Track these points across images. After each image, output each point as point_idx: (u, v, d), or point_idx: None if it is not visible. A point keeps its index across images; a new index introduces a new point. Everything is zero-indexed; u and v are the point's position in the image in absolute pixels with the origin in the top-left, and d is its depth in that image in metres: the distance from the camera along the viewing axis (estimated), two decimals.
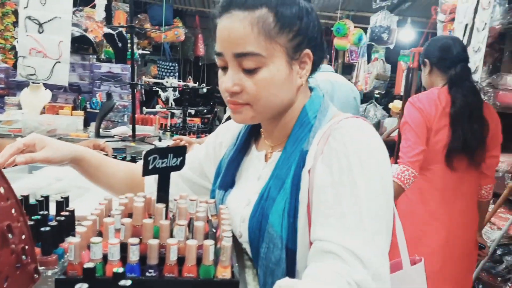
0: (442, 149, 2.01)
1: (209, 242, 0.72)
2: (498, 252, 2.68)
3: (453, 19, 3.22)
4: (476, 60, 2.78)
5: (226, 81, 0.86)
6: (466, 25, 2.94)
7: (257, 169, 0.99)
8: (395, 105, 6.66)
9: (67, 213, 0.93)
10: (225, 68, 0.88)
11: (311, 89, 0.98)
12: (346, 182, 0.77)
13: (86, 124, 3.20)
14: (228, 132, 1.13)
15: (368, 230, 0.74)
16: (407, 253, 1.05)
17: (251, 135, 1.05)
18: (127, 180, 1.16)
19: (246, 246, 0.93)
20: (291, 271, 0.85)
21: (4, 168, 0.92)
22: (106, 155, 1.69)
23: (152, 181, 1.14)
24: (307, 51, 0.88)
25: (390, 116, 7.07)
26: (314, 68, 0.94)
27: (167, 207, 0.89)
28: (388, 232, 0.78)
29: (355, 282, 0.68)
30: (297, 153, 0.87)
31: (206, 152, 1.16)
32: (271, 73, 0.84)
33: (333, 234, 0.74)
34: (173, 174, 0.98)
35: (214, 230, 0.90)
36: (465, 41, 2.97)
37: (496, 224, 2.72)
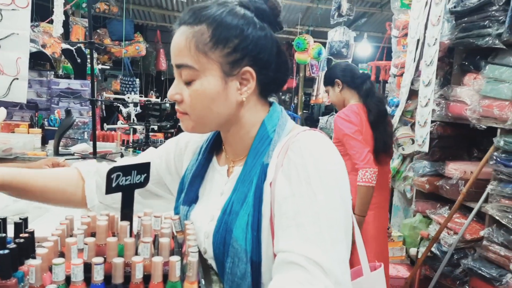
0: (371, 150, 2.42)
1: (175, 258, 0.72)
2: (456, 256, 2.77)
3: (406, 35, 3.38)
4: (429, 73, 2.92)
5: (170, 89, 0.92)
6: (418, 40, 3.09)
7: (220, 184, 1.00)
8: None
9: (26, 235, 0.91)
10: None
11: (270, 103, 1.00)
12: (305, 193, 0.80)
13: (44, 142, 3.11)
14: (189, 144, 1.13)
15: (328, 239, 0.76)
16: (366, 260, 1.09)
17: (213, 149, 1.06)
18: (62, 189, 1.12)
19: (212, 262, 0.93)
20: (256, 285, 0.86)
21: None
22: None
23: (93, 187, 1.12)
24: (247, 68, 0.90)
25: None
26: (270, 88, 0.97)
27: (131, 224, 0.89)
28: (347, 240, 0.81)
29: None
30: (258, 167, 0.89)
31: (167, 163, 1.14)
32: (202, 86, 0.88)
33: (294, 244, 0.76)
34: None
35: (180, 247, 0.90)
36: (417, 56, 3.11)
37: (452, 229, 2.82)
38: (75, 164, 1.17)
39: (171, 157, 1.14)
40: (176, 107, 0.93)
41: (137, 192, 1.06)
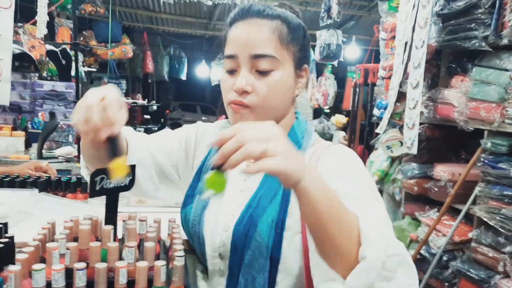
0: None
1: (160, 263, 0.71)
2: (444, 258, 2.78)
3: (394, 37, 3.39)
4: (417, 76, 2.93)
5: (240, 81, 0.90)
6: (406, 43, 3.10)
7: (237, 182, 0.98)
8: (338, 119, 6.88)
9: (6, 240, 0.88)
10: (232, 72, 0.93)
11: (295, 112, 1.04)
12: (349, 176, 0.84)
13: (28, 145, 3.05)
14: (206, 134, 1.11)
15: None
16: None
17: None
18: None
19: (226, 255, 0.91)
20: (272, 281, 0.87)
21: None
22: (49, 177, 1.62)
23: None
24: (306, 66, 0.99)
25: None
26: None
27: (115, 228, 0.86)
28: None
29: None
30: None
31: (187, 147, 1.11)
32: (282, 77, 0.92)
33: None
34: (145, 153, 0.99)
35: (166, 251, 0.88)
36: (405, 58, 3.13)
37: (441, 231, 2.83)
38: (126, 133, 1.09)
39: (192, 142, 1.11)
40: (239, 99, 0.91)
41: (155, 172, 1.07)
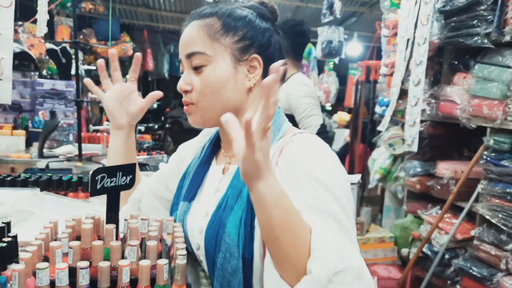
0: None
1: (163, 262, 0.71)
2: (447, 256, 2.77)
3: (396, 34, 3.38)
4: (419, 73, 2.92)
5: (180, 81, 0.97)
6: (408, 40, 3.09)
7: (215, 182, 1.02)
8: (341, 117, 6.86)
9: (9, 239, 0.87)
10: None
11: None
12: (306, 186, 0.80)
13: (28, 144, 3.04)
14: (188, 148, 1.18)
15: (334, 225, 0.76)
16: None
17: (214, 149, 1.09)
18: None
19: (203, 258, 0.93)
20: (247, 282, 0.86)
21: None
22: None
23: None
24: (256, 55, 0.96)
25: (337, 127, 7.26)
26: None
27: (117, 227, 0.86)
28: (353, 228, 0.81)
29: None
30: None
31: (170, 168, 1.19)
32: (215, 70, 0.93)
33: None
34: (150, 196, 1.05)
35: (168, 250, 0.88)
36: (407, 55, 3.12)
37: (443, 229, 2.82)
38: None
39: (174, 163, 1.19)
40: (184, 98, 0.97)
41: (162, 206, 1.17)
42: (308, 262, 0.68)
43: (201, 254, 0.94)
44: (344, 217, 0.77)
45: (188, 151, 1.16)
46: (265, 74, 0.97)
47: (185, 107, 0.99)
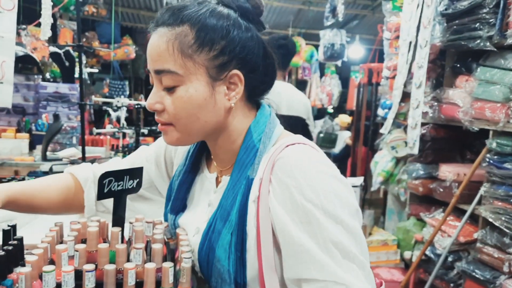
0: None
1: (168, 264, 0.71)
2: (450, 259, 2.77)
3: (398, 37, 3.39)
4: (420, 76, 2.93)
5: (149, 98, 0.85)
6: (410, 43, 3.09)
7: (209, 193, 0.95)
8: (342, 119, 6.87)
9: (15, 242, 0.88)
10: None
11: (259, 105, 0.94)
12: (304, 218, 0.75)
13: (32, 147, 3.06)
14: (178, 147, 1.07)
15: (341, 257, 0.73)
16: None
17: (201, 154, 1.01)
18: (63, 198, 1.06)
19: (201, 275, 0.90)
20: None
21: None
22: None
23: (92, 196, 1.06)
24: (236, 72, 0.84)
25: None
26: (258, 91, 0.91)
27: (123, 230, 0.86)
28: (362, 248, 0.77)
29: None
30: (243, 181, 0.84)
31: (157, 165, 1.10)
32: (188, 92, 0.81)
33: (313, 270, 0.73)
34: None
35: (172, 253, 0.88)
36: (410, 58, 3.12)
37: (446, 232, 2.82)
38: (70, 169, 1.11)
39: (161, 159, 1.09)
40: (157, 117, 0.85)
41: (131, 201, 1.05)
42: None
43: (198, 272, 0.90)
44: (353, 246, 0.74)
45: (178, 154, 1.08)
46: (247, 88, 0.87)
47: (159, 126, 0.87)
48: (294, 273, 0.76)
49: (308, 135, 2.90)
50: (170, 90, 0.82)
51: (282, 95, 2.74)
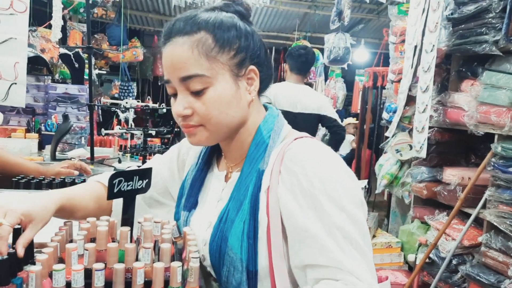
0: None
1: (177, 264, 0.72)
2: (454, 262, 2.77)
3: (403, 41, 3.39)
4: (427, 80, 2.93)
5: (177, 106, 0.88)
6: (416, 47, 3.10)
7: (217, 190, 1.00)
8: (349, 122, 6.86)
9: None
10: (175, 96, 0.90)
11: (266, 107, 1.00)
12: (312, 204, 0.80)
13: (41, 147, 3.09)
14: (191, 150, 1.12)
15: (347, 245, 0.77)
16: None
17: (213, 153, 1.06)
18: (97, 206, 1.08)
19: (211, 270, 0.93)
20: None
21: None
22: (84, 180, 1.65)
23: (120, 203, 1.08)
24: (252, 67, 0.91)
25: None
26: (264, 85, 0.97)
27: (131, 230, 0.88)
28: (366, 240, 0.80)
29: None
30: (254, 173, 0.89)
31: (171, 172, 1.14)
32: (217, 91, 0.86)
33: (318, 256, 0.77)
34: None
35: (180, 253, 0.90)
36: (415, 62, 3.13)
37: (450, 235, 2.82)
38: (96, 178, 1.14)
39: (174, 165, 1.14)
40: (185, 122, 0.89)
41: (143, 201, 1.08)
42: None
43: (207, 266, 0.93)
44: (356, 234, 0.77)
45: (190, 155, 1.12)
46: (260, 82, 0.94)
47: (186, 130, 0.91)
48: (299, 259, 0.80)
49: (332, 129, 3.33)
50: (199, 93, 0.86)
51: (299, 96, 3.22)
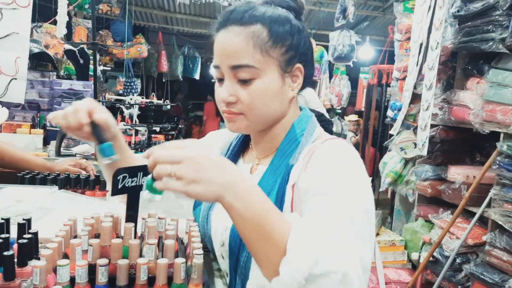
0: None
1: (180, 260, 0.72)
2: (458, 261, 2.76)
3: (409, 38, 3.38)
4: (431, 77, 2.92)
5: (223, 92, 0.91)
6: (421, 44, 3.08)
7: None
8: (351, 119, 6.85)
9: (30, 236, 0.90)
10: (221, 80, 0.93)
11: (300, 108, 1.03)
12: (329, 190, 0.80)
13: (46, 142, 3.10)
14: (217, 143, 1.15)
15: (345, 235, 0.75)
16: (383, 276, 1.09)
17: (241, 147, 1.09)
18: None
19: (226, 255, 0.94)
20: None
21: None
22: (88, 176, 1.65)
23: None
24: (299, 65, 0.94)
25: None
26: (305, 84, 0.99)
27: (135, 226, 0.88)
28: (371, 241, 0.80)
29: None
30: (283, 167, 0.92)
31: None
32: (264, 84, 0.89)
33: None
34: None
35: (184, 249, 0.90)
36: (420, 59, 3.11)
37: (454, 234, 2.81)
38: None
39: None
40: (228, 108, 0.92)
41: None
42: (280, 264, 0.69)
43: (224, 251, 0.95)
44: (359, 221, 0.77)
45: (217, 143, 1.15)
46: (304, 79, 0.97)
47: (227, 115, 0.94)
48: None
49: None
50: (246, 82, 0.89)
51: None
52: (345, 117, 7.19)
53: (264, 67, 0.89)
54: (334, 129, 6.77)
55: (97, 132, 0.93)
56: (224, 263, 0.96)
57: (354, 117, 6.75)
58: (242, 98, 0.90)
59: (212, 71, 0.95)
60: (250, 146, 1.07)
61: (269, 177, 0.93)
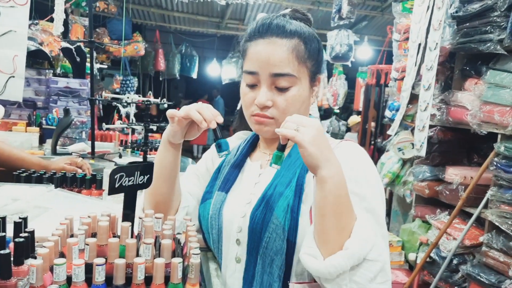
0: None
1: (177, 260, 0.72)
2: (454, 261, 2.76)
3: (407, 39, 3.38)
4: (429, 78, 2.92)
5: (261, 96, 1.00)
6: (420, 45, 3.09)
7: (253, 176, 1.10)
8: (353, 120, 6.85)
9: (26, 234, 0.90)
10: (252, 86, 1.03)
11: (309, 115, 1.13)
12: (355, 190, 0.90)
13: (42, 141, 3.08)
14: (215, 163, 1.22)
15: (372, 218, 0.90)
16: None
17: (250, 148, 1.17)
18: (176, 199, 1.13)
19: (244, 239, 1.00)
20: (288, 263, 0.94)
21: None
22: (84, 174, 1.64)
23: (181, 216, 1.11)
24: (320, 76, 1.08)
25: (349, 130, 7.26)
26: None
27: (132, 225, 0.88)
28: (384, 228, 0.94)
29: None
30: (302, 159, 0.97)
31: (206, 167, 1.23)
32: (299, 91, 1.01)
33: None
34: (194, 203, 1.09)
35: (181, 249, 0.89)
36: (419, 60, 3.11)
37: (451, 235, 2.81)
38: None
39: (210, 164, 1.23)
40: (262, 112, 1.01)
41: (195, 199, 1.17)
42: (347, 242, 0.80)
43: (242, 236, 1.01)
44: (383, 217, 0.90)
45: (215, 164, 1.22)
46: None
47: (258, 118, 1.02)
48: None
49: None
50: (284, 90, 1.00)
51: None
52: (348, 121, 7.18)
53: (300, 76, 1.01)
54: (331, 129, 6.77)
55: (218, 129, 1.00)
56: (240, 249, 1.01)
57: (358, 119, 6.75)
58: (278, 103, 1.00)
59: (245, 77, 1.05)
60: (258, 147, 1.17)
61: (289, 166, 1.01)
